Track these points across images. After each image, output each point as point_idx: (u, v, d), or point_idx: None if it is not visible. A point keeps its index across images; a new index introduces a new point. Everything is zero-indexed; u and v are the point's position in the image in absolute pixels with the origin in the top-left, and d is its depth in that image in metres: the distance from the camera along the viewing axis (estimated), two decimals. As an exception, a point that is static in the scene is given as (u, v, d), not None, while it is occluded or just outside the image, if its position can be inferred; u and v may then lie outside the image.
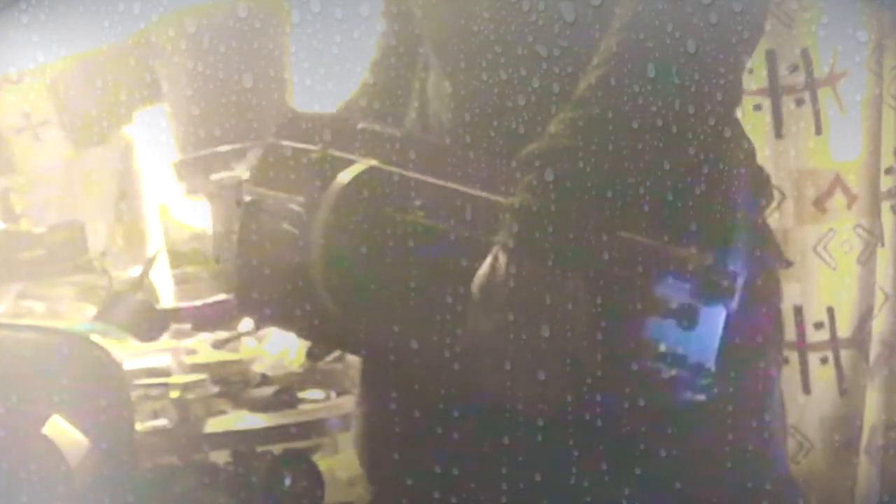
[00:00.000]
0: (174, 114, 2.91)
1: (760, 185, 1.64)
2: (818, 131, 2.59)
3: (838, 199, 2.60)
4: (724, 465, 1.54)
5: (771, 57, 2.57)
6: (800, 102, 2.60)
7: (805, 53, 2.57)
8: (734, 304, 1.47)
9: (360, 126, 1.62)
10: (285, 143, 1.62)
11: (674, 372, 1.46)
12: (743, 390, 1.56)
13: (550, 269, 1.43)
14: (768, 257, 1.64)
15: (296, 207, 1.59)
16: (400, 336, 1.54)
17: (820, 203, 2.61)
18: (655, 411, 1.48)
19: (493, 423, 1.52)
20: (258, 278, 1.62)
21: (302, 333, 1.86)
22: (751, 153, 1.63)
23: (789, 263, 1.87)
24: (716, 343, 1.47)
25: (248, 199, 1.64)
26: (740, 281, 1.48)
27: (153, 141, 3.04)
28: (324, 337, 1.81)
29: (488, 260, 1.45)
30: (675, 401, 1.48)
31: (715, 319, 1.47)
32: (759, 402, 1.61)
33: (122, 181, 3.13)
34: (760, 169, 1.66)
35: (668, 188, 1.46)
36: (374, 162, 1.57)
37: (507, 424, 1.51)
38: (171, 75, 2.83)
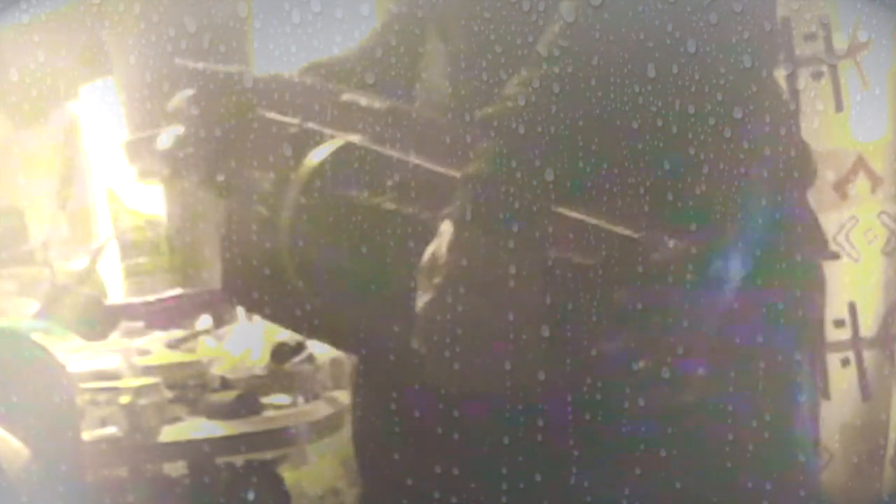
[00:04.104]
0: (124, 88, 2.92)
1: (797, 163, 1.67)
2: (838, 108, 2.61)
3: (861, 183, 2.62)
4: (732, 469, 1.56)
5: (786, 25, 2.58)
6: (818, 76, 2.61)
7: (823, 22, 2.58)
8: (725, 299, 1.49)
9: (343, 97, 1.64)
10: (265, 113, 1.65)
11: (639, 369, 1.49)
12: (755, 392, 1.58)
13: (501, 245, 1.46)
14: (804, 245, 1.66)
15: (267, 186, 1.61)
16: (374, 328, 1.57)
17: (840, 187, 2.63)
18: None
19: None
20: (239, 262, 1.66)
21: (283, 323, 1.89)
22: (792, 125, 1.66)
23: (834, 255, 1.87)
24: (691, 343, 1.49)
25: (220, 177, 1.67)
26: (729, 275, 1.50)
27: (101, 118, 3.04)
28: (305, 328, 1.85)
29: (436, 236, 1.49)
30: (647, 401, 1.51)
31: (690, 316, 1.49)
32: (776, 405, 1.63)
33: (67, 163, 3.14)
34: (799, 144, 1.68)
35: (647, 167, 1.49)
36: (353, 138, 1.59)
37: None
38: (122, 45, 2.84)
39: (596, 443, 1.54)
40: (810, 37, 2.59)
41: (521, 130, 1.47)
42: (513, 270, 1.46)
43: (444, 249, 1.48)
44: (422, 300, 1.49)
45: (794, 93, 2.59)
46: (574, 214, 1.47)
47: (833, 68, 2.59)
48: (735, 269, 1.50)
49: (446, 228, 1.48)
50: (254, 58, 2.65)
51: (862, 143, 2.60)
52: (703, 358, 1.49)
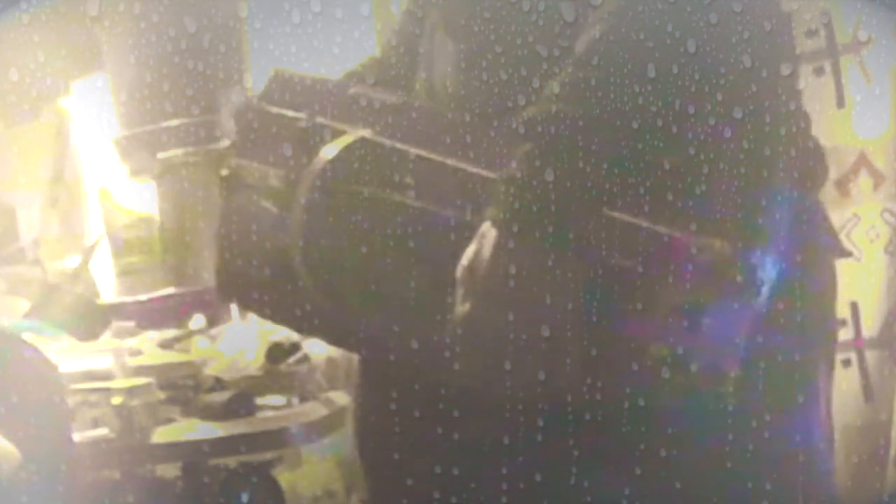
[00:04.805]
0: (116, 84, 2.91)
1: (810, 164, 1.67)
2: (840, 104, 2.60)
3: (863, 180, 2.61)
4: (737, 470, 1.57)
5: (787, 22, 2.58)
6: (820, 72, 2.61)
7: (826, 17, 2.58)
8: (759, 301, 1.50)
9: (352, 91, 1.65)
10: (272, 108, 1.66)
11: (680, 374, 1.49)
12: (775, 396, 1.59)
13: (544, 249, 1.46)
14: (818, 245, 1.67)
15: (276, 183, 1.62)
16: (386, 328, 1.58)
17: (843, 185, 2.62)
18: (662, 412, 1.51)
19: (493, 423, 1.56)
20: (238, 260, 1.66)
21: (285, 323, 1.89)
22: (798, 129, 1.66)
23: (846, 253, 1.87)
24: (734, 345, 1.49)
25: (224, 172, 1.67)
26: (765, 276, 1.50)
27: (92, 115, 3.04)
28: (308, 327, 1.85)
29: (475, 240, 1.48)
30: (684, 404, 1.51)
31: (733, 318, 1.49)
32: (796, 409, 1.63)
33: (58, 161, 3.13)
34: (814, 145, 1.69)
35: (683, 169, 1.50)
36: (364, 133, 1.60)
37: (507, 424, 1.54)
38: (114, 40, 2.83)
39: (641, 445, 1.54)
40: (812, 33, 2.59)
41: (564, 132, 1.47)
42: (559, 274, 1.46)
43: (486, 254, 1.48)
44: (464, 306, 1.49)
45: (795, 90, 2.59)
46: (622, 216, 1.47)
47: (835, 64, 2.59)
48: (772, 270, 1.51)
49: (487, 231, 1.48)
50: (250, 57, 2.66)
51: (864, 140, 2.60)
52: (740, 359, 1.50)
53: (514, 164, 1.49)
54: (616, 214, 1.47)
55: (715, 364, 1.50)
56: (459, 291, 1.50)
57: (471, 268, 1.49)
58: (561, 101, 1.49)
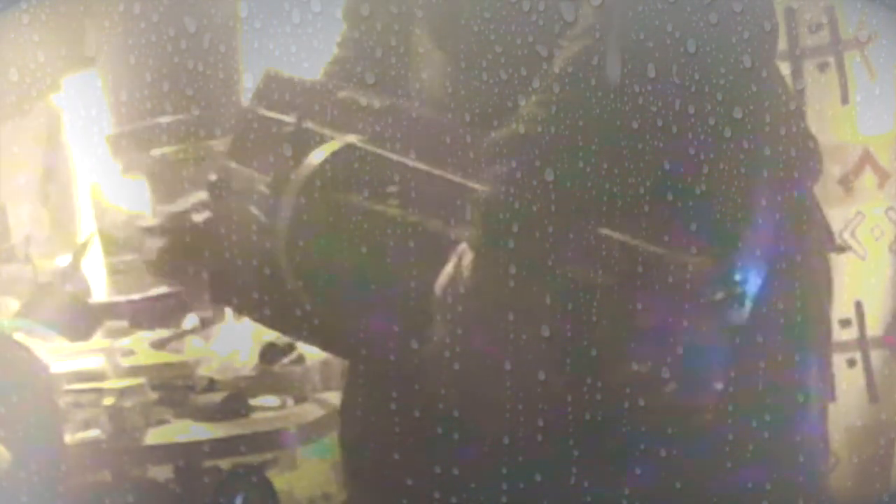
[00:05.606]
0: (109, 80, 2.90)
1: (804, 160, 1.67)
2: (844, 100, 2.60)
3: (868, 177, 2.62)
4: (735, 470, 1.57)
5: (790, 15, 2.58)
6: (823, 67, 2.61)
7: (830, 12, 2.58)
8: (742, 314, 1.50)
9: (340, 95, 1.64)
10: (261, 111, 1.65)
11: (669, 389, 1.49)
12: (771, 395, 1.59)
13: (521, 273, 1.46)
14: (813, 240, 1.67)
15: (263, 188, 1.62)
16: (373, 334, 1.57)
17: (846, 182, 2.62)
18: (659, 418, 1.51)
19: (477, 434, 1.56)
20: (228, 265, 1.66)
21: (275, 327, 1.89)
22: (798, 127, 1.66)
23: (841, 248, 1.88)
24: (715, 360, 1.50)
25: (213, 177, 1.67)
26: (749, 287, 1.50)
27: (84, 111, 3.03)
28: (298, 332, 1.85)
29: (452, 260, 1.49)
30: (672, 419, 1.51)
31: (718, 333, 1.49)
32: (792, 408, 1.64)
33: (49, 157, 3.13)
34: (812, 142, 1.69)
35: (664, 181, 1.50)
36: (352, 139, 1.60)
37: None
38: (107, 35, 2.83)
39: (626, 462, 1.54)
40: (816, 28, 2.59)
41: (538, 151, 1.47)
42: (539, 294, 1.47)
43: (464, 275, 1.48)
44: (443, 329, 1.49)
45: (800, 84, 2.59)
46: (605, 233, 1.47)
47: (839, 60, 2.59)
48: (755, 280, 1.51)
49: (465, 252, 1.48)
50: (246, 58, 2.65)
51: (868, 137, 2.60)
52: (725, 371, 1.50)
53: (491, 184, 1.50)
54: (601, 232, 1.47)
55: (700, 381, 1.50)
56: (437, 313, 1.50)
57: (447, 291, 1.49)
58: (531, 123, 1.49)
